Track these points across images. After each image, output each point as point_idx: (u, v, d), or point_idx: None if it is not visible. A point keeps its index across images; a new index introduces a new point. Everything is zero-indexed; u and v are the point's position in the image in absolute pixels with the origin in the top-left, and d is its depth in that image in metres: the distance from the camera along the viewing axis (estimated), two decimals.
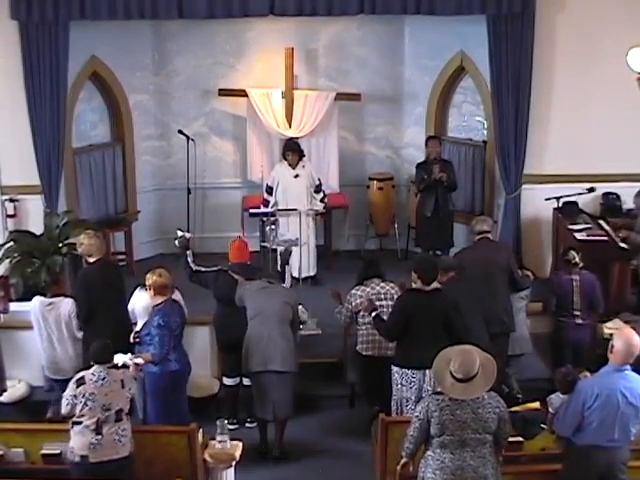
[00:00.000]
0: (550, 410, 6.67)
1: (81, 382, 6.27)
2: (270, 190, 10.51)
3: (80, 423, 6.22)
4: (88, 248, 7.94)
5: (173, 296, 7.54)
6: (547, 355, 8.54)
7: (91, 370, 6.33)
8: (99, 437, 6.15)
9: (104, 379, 6.25)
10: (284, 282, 8.52)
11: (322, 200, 10.58)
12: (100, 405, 6.17)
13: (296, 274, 10.05)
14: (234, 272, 8.06)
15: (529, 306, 8.56)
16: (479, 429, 5.58)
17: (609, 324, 8.37)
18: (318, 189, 10.55)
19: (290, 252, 9.00)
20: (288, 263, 8.91)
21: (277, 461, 7.74)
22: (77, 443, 6.21)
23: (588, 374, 6.71)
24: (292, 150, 10.43)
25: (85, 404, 6.18)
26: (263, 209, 10.44)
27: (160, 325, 7.22)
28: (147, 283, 7.35)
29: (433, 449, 5.68)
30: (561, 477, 6.15)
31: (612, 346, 5.86)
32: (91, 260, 7.97)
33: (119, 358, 6.86)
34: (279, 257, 9.05)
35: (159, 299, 7.33)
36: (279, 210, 10.42)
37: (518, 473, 6.29)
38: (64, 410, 6.28)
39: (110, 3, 9.44)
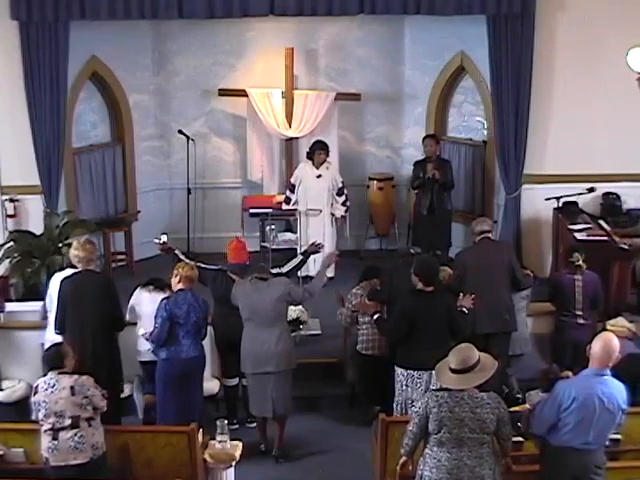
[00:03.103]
0: (527, 406, 6.65)
1: (35, 390, 6.30)
2: (293, 188, 10.58)
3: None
4: (72, 258, 7.64)
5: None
6: (547, 355, 8.54)
7: (44, 378, 6.33)
8: (55, 442, 6.19)
9: (53, 386, 6.23)
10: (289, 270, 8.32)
11: (344, 203, 10.60)
12: (53, 412, 6.18)
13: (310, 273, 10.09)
14: (233, 273, 8.02)
15: (530, 306, 8.56)
16: (476, 429, 5.58)
17: (611, 321, 8.36)
18: (340, 192, 10.56)
19: (315, 252, 8.58)
20: (306, 261, 8.65)
21: (277, 461, 7.74)
22: (42, 445, 6.28)
23: (570, 374, 6.68)
24: (322, 149, 10.44)
25: (40, 411, 6.22)
26: (285, 206, 10.56)
27: (159, 309, 7.37)
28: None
29: (431, 447, 5.69)
30: (540, 477, 6.11)
31: (589, 349, 5.82)
32: (79, 268, 7.60)
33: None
34: (299, 254, 8.80)
35: (178, 288, 7.52)
36: (278, 211, 10.48)
37: (518, 473, 6.27)
38: (33, 416, 6.33)
39: (110, 3, 9.45)
